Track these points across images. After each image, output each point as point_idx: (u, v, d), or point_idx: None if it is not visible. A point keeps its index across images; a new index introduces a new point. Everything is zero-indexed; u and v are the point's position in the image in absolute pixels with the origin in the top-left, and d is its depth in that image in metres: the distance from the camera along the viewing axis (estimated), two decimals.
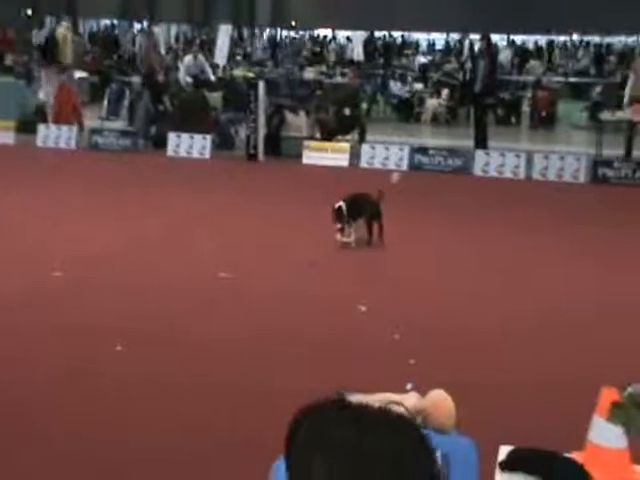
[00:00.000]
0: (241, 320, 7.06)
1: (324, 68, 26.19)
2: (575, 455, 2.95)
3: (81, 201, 11.56)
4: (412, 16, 39.84)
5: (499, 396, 5.66)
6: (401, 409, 1.41)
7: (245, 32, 41.08)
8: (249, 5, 44.15)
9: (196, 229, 10.26)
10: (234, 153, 16.07)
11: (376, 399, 2.52)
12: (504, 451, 3.01)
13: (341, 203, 9.42)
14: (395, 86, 22.71)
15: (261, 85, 15.88)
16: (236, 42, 32.98)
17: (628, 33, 34.61)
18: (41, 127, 16.91)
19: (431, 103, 21.29)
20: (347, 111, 16.40)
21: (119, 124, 17.86)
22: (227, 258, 8.88)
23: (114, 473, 4.57)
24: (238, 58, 27.87)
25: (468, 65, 20.21)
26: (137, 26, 36.92)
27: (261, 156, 15.51)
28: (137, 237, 9.72)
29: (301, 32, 41.68)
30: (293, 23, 42.41)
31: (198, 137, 15.93)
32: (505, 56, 26.90)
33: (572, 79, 25.29)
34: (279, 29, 43.75)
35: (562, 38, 37.29)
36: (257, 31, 29.96)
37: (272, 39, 40.49)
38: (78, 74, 20.83)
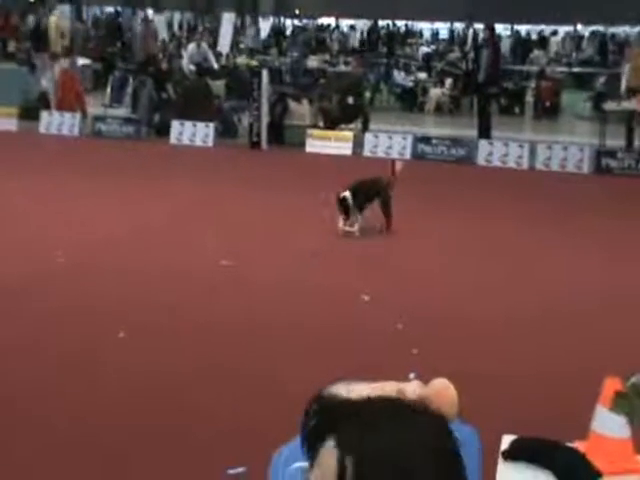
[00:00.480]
0: (243, 308, 7.06)
1: (327, 57, 26.12)
2: (578, 445, 2.94)
3: (84, 188, 11.55)
4: (416, 5, 39.67)
5: (502, 385, 5.66)
6: (404, 397, 1.40)
7: (248, 20, 40.93)
8: None
9: (199, 217, 10.26)
10: (237, 141, 16.05)
11: (379, 388, 2.52)
12: (507, 440, 3.01)
13: (346, 193, 9.37)
14: (399, 75, 22.66)
15: (264, 73, 15.85)
16: (239, 30, 32.85)
17: (632, 24, 34.49)
18: (44, 114, 16.89)
19: (434, 92, 21.23)
20: (350, 100, 16.37)
21: (122, 111, 17.84)
22: (229, 246, 8.88)
23: (117, 459, 4.58)
24: (241, 46, 27.76)
25: (471, 55, 20.15)
26: (141, 14, 36.79)
27: (264, 144, 15.49)
28: (140, 224, 9.72)
29: (305, 20, 41.52)
30: (297, 11, 42.25)
31: (201, 125, 15.91)
32: (504, 45, 26.79)
33: (576, 69, 25.21)
34: (282, 18, 43.59)
35: (566, 28, 37.12)
36: (248, 20, 29.79)
37: (276, 27, 40.36)
38: (81, 61, 20.80)
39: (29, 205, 10.50)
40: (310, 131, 15.57)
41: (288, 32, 37.87)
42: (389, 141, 15.10)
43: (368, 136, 15.41)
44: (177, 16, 37.69)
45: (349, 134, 15.60)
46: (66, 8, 36.83)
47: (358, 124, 16.41)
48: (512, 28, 35.87)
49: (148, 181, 12.17)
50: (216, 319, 6.80)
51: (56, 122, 16.78)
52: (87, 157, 14.36)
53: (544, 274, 8.33)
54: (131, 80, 18.18)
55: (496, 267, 8.52)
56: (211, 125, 15.91)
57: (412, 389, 2.65)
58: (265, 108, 15.54)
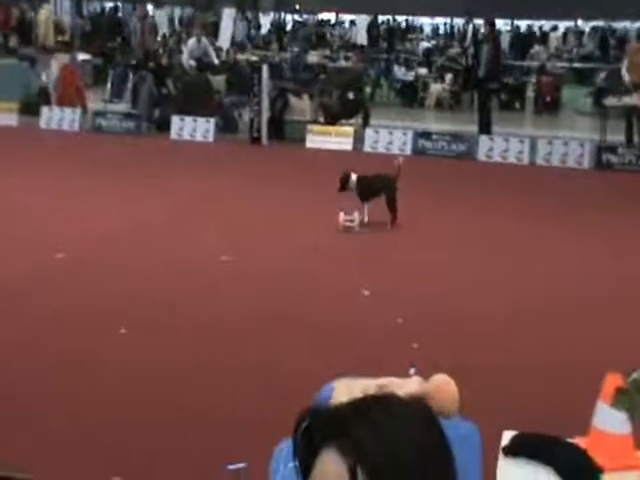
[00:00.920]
0: (243, 303, 7.06)
1: (328, 52, 26.08)
2: (578, 441, 2.94)
3: (84, 184, 11.54)
4: (416, 0, 39.61)
5: (503, 380, 5.66)
6: (403, 393, 1.40)
7: (249, 15, 40.89)
8: None
9: (199, 212, 10.25)
10: (237, 136, 16.04)
11: (379, 383, 2.52)
12: (507, 436, 3.01)
13: (353, 174, 9.46)
14: (399, 70, 22.63)
15: (265, 69, 15.84)
16: (248, 26, 32.79)
17: (633, 19, 34.44)
18: (44, 109, 16.88)
19: (435, 88, 21.21)
20: (351, 95, 16.35)
21: (122, 107, 17.82)
22: (230, 241, 8.88)
23: (116, 456, 4.58)
24: (243, 41, 27.72)
25: (471, 50, 20.13)
26: (139, 9, 36.72)
27: (264, 140, 15.48)
28: (140, 220, 9.71)
29: (305, 16, 41.47)
30: (297, 7, 42.20)
31: (201, 120, 15.89)
32: (504, 40, 26.74)
33: (576, 64, 25.17)
34: (283, 13, 43.53)
35: (567, 23, 37.06)
36: (240, 15, 29.61)
37: (276, 23, 40.32)
38: (81, 56, 20.77)
39: (29, 201, 10.49)
40: (310, 126, 15.56)
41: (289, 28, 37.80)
42: (390, 136, 15.08)
43: (369, 131, 15.39)
44: (177, 11, 37.62)
45: (349, 129, 15.58)
46: (66, 3, 36.79)
47: (358, 119, 16.39)
48: (512, 23, 35.82)
49: (148, 177, 12.16)
50: (216, 315, 6.80)
51: (56, 117, 16.76)
52: (87, 152, 14.35)
53: (545, 269, 8.32)
54: (131, 75, 18.15)
55: (497, 262, 8.52)
56: (211, 120, 15.90)
57: (414, 388, 2.65)
58: (265, 103, 15.53)
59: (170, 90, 17.64)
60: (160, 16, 28.60)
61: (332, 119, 15.98)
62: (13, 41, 26.21)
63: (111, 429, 4.85)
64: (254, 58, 21.35)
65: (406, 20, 40.62)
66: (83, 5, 36.83)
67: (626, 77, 15.93)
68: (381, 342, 6.29)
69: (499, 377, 5.73)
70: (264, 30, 33.67)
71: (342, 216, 9.43)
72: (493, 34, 16.72)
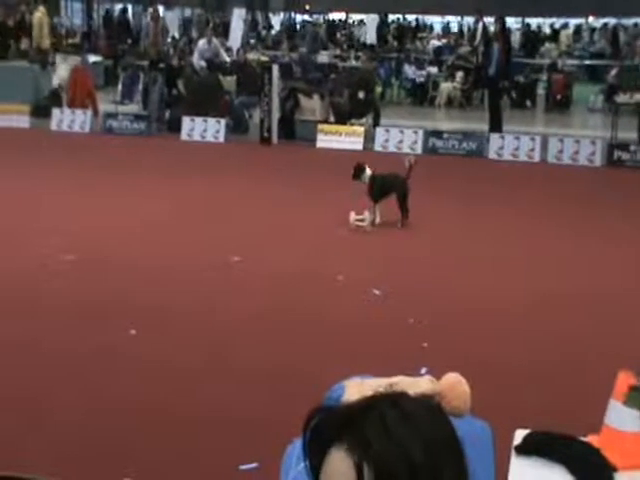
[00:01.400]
0: (253, 303, 7.06)
1: (338, 51, 26.07)
2: (591, 439, 2.92)
3: (94, 184, 11.57)
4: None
5: (515, 379, 5.64)
6: (414, 392, 1.39)
7: (259, 16, 40.96)
8: None
9: (209, 212, 10.26)
10: (248, 137, 16.06)
11: (390, 382, 2.51)
12: (519, 435, 2.99)
13: (368, 169, 9.44)
14: (409, 70, 22.61)
15: (275, 68, 15.85)
16: (250, 26, 32.84)
17: None
18: (55, 111, 16.94)
19: (445, 86, 21.18)
20: (361, 94, 16.34)
21: (133, 108, 17.87)
22: (240, 241, 8.88)
23: (126, 457, 4.59)
24: (252, 42, 27.77)
25: (481, 48, 20.08)
26: (149, 10, 36.84)
27: (275, 140, 15.49)
28: (150, 220, 9.73)
29: (315, 16, 41.48)
30: (307, 7, 42.22)
31: (212, 121, 15.92)
32: (515, 38, 26.69)
33: (588, 62, 25.09)
34: (293, 13, 43.58)
35: (578, 20, 36.94)
36: (247, 16, 29.55)
37: (286, 23, 40.38)
38: (92, 58, 20.85)
39: (39, 201, 10.53)
40: (321, 126, 15.56)
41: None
42: (400, 135, 15.07)
43: (379, 131, 15.38)
44: (188, 12, 37.71)
45: (360, 129, 15.58)
46: (77, 5, 36.89)
47: (369, 119, 16.38)
48: (522, 21, 35.73)
49: (159, 177, 12.18)
50: (228, 315, 6.81)
51: (67, 119, 16.83)
52: (98, 154, 14.40)
53: (557, 266, 8.29)
54: (142, 76, 18.20)
55: (509, 261, 8.49)
56: (222, 121, 15.92)
57: (426, 387, 2.64)
58: (276, 103, 15.54)
59: (181, 91, 17.68)
60: (170, 17, 28.67)
61: (342, 119, 15.97)
62: (25, 44, 26.33)
63: (122, 429, 4.85)
64: (264, 58, 21.37)
65: (416, 19, 40.57)
66: (93, 7, 36.96)
67: None
68: (392, 341, 6.28)
69: (511, 375, 5.71)
70: (274, 30, 33.68)
71: (353, 215, 9.42)
72: (503, 32, 16.67)
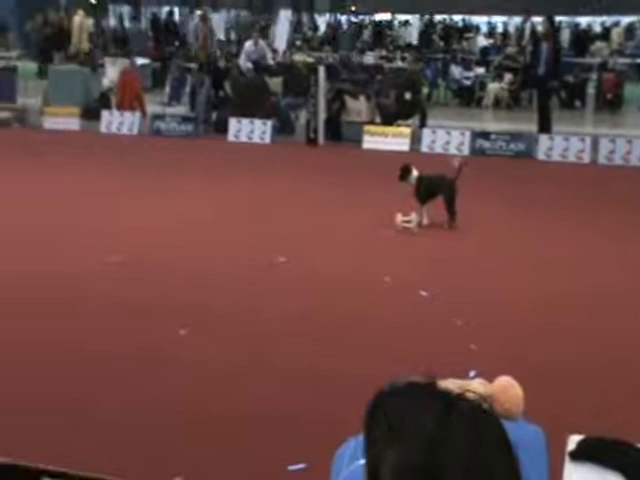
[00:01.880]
0: (299, 303, 7.05)
1: (384, 52, 26.01)
2: None
3: (141, 185, 11.68)
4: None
5: (566, 382, 5.55)
6: (474, 395, 1.36)
7: (305, 17, 41.08)
8: None
9: (256, 213, 10.29)
10: (294, 138, 16.09)
11: (443, 385, 2.48)
12: (573, 440, 2.93)
13: (414, 170, 9.40)
14: (456, 70, 22.46)
15: (321, 70, 15.86)
16: (296, 28, 32.94)
17: None
18: (105, 113, 17.15)
19: (493, 87, 20.99)
20: (408, 95, 16.27)
21: (181, 110, 18.03)
22: (286, 242, 8.88)
23: (176, 457, 4.60)
24: (298, 43, 27.83)
25: (529, 48, 19.87)
26: (198, 13, 37.14)
27: (321, 141, 15.49)
28: (196, 220, 9.79)
29: (361, 17, 41.46)
30: (353, 8, 42.21)
31: (259, 122, 15.98)
32: (564, 37, 26.35)
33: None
34: (338, 14, 43.61)
35: (629, 18, 36.38)
36: (293, 17, 29.49)
37: (332, 24, 40.41)
38: (140, 61, 21.08)
39: (87, 203, 10.65)
40: (367, 127, 15.53)
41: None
42: (447, 137, 14.97)
43: (426, 132, 15.30)
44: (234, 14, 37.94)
45: (406, 130, 15.50)
46: (126, 9, 37.34)
47: (415, 120, 16.30)
48: (572, 20, 35.29)
49: (206, 178, 12.25)
50: (274, 315, 6.80)
51: (116, 121, 17.03)
52: (146, 155, 14.54)
53: (606, 267, 8.15)
54: (189, 79, 18.35)
55: (557, 263, 8.37)
56: (268, 122, 15.97)
57: (478, 390, 2.60)
58: (322, 105, 15.55)
59: (227, 93, 17.77)
60: (217, 20, 28.84)
61: (389, 120, 15.92)
62: (85, 48, 26.75)
63: (169, 430, 4.87)
64: (310, 60, 21.40)
65: (463, 19, 40.32)
66: (142, 11, 37.38)
67: None
68: (439, 343, 6.22)
69: (562, 379, 5.61)
70: (319, 31, 33.72)
71: (399, 217, 9.37)
72: (552, 31, 16.45)
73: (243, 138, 15.95)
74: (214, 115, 17.21)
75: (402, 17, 38.82)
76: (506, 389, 2.79)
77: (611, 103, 20.33)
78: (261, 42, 19.77)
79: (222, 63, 18.89)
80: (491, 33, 36.84)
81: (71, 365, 5.77)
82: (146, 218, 9.90)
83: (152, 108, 18.05)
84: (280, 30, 24.26)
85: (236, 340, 6.27)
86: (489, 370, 3.29)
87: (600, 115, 19.99)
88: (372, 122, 15.96)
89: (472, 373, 5.03)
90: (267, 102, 16.79)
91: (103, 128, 16.90)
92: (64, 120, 17.02)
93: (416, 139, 15.16)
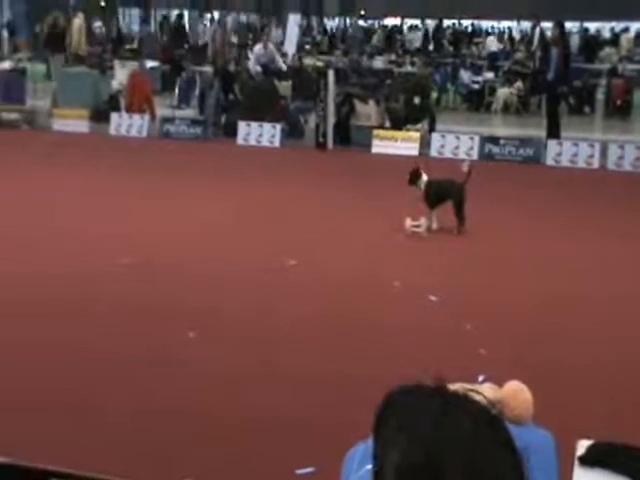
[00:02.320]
0: (309, 307, 7.06)
1: (393, 57, 26.03)
2: None
3: (150, 188, 11.70)
4: (482, 4, 39.32)
5: (575, 388, 5.55)
6: (480, 398, 1.37)
7: (314, 21, 41.17)
8: None
9: (265, 217, 10.30)
10: (303, 142, 16.10)
11: (452, 389, 2.48)
12: (582, 445, 2.93)
13: (424, 174, 9.40)
14: (465, 75, 22.46)
15: (330, 74, 15.88)
16: (305, 31, 32.99)
17: None
18: (114, 116, 17.20)
19: (502, 92, 20.98)
20: (417, 100, 16.27)
21: (190, 113, 18.06)
22: (296, 245, 8.89)
23: (186, 459, 4.61)
24: (307, 47, 27.88)
25: (538, 53, 19.86)
26: (207, 16, 37.25)
27: (330, 145, 15.50)
28: (206, 224, 9.81)
29: (370, 21, 41.51)
30: (362, 12, 42.25)
31: (268, 126, 16.00)
32: (573, 43, 26.31)
33: None
34: (348, 19, 43.68)
35: (638, 25, 36.30)
36: (302, 21, 29.31)
37: (340, 28, 40.50)
38: (149, 63, 21.14)
39: (97, 204, 10.68)
40: (376, 131, 15.53)
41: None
42: (456, 141, 14.97)
43: (435, 136, 15.30)
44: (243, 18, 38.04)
45: (416, 134, 15.50)
46: (135, 12, 37.46)
47: (425, 124, 16.30)
48: (581, 25, 35.25)
49: (215, 181, 12.28)
50: (284, 318, 6.81)
51: (125, 124, 17.07)
52: (155, 158, 14.57)
53: (618, 271, 8.14)
54: (198, 82, 18.38)
55: (568, 268, 8.36)
56: (278, 126, 15.99)
57: (487, 394, 2.60)
58: (331, 109, 15.56)
59: (237, 96, 17.81)
60: (227, 23, 28.91)
61: (398, 124, 15.92)
62: (83, 50, 26.81)
63: (177, 432, 4.88)
64: (319, 63, 21.43)
65: (472, 24, 40.33)
66: (150, 13, 37.49)
67: None
68: (448, 347, 6.22)
69: (572, 384, 5.61)
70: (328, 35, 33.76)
71: (409, 221, 9.37)
72: (562, 37, 16.44)
73: (252, 141, 15.97)
74: (223, 118, 17.24)
75: (411, 22, 38.84)
76: (516, 394, 2.79)
77: (620, 109, 20.29)
78: (270, 45, 19.80)
79: (232, 66, 18.92)
80: (500, 38, 36.87)
81: (80, 367, 5.79)
82: (156, 220, 9.92)
83: (161, 111, 18.10)
84: (289, 33, 24.31)
85: (245, 343, 6.28)
86: (498, 375, 3.29)
87: (609, 121, 19.96)
88: (381, 126, 15.97)
89: (481, 377, 5.04)
90: (276, 106, 16.81)
91: (112, 130, 16.94)
92: (73, 122, 17.08)
93: (425, 143, 15.16)
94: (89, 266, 8.03)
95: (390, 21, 42.51)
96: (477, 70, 22.98)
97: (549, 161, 14.37)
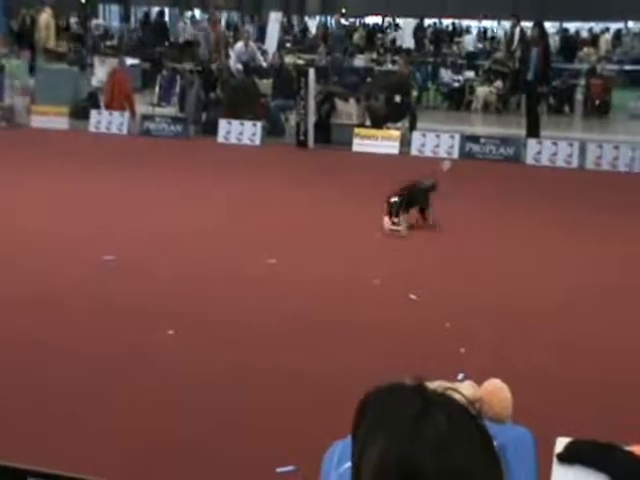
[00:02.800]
0: (288, 306, 7.06)
1: (374, 55, 26.05)
2: (636, 449, 2.88)
3: (131, 186, 11.65)
4: (463, 3, 39.45)
5: (555, 386, 5.58)
6: (459, 396, 1.37)
7: (295, 20, 41.12)
8: None
9: (245, 215, 10.29)
10: (284, 140, 16.08)
11: (431, 387, 2.49)
12: (561, 443, 2.95)
13: (396, 199, 9.39)
14: (446, 74, 22.53)
15: (311, 72, 15.86)
16: (286, 29, 32.95)
17: None
18: (93, 113, 17.11)
19: (482, 91, 21.06)
20: (398, 98, 16.28)
21: (170, 110, 17.99)
22: (276, 244, 8.89)
23: (161, 459, 4.60)
24: (288, 45, 27.84)
25: (518, 53, 19.94)
26: (188, 14, 37.14)
27: (311, 143, 15.49)
28: (186, 222, 9.77)
29: (351, 20, 41.51)
30: (343, 11, 42.24)
31: (248, 124, 15.97)
32: (552, 43, 26.45)
33: (628, 67, 24.80)
34: (329, 17, 43.66)
35: (617, 25, 36.56)
36: (283, 19, 29.14)
37: (322, 26, 40.46)
38: (129, 61, 21.02)
39: (78, 204, 10.62)
40: (357, 130, 15.54)
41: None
42: (437, 140, 15.00)
43: (416, 135, 15.32)
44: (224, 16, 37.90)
45: (396, 133, 15.52)
46: (115, 9, 37.25)
47: (405, 123, 16.32)
48: (560, 25, 35.45)
49: (195, 179, 12.23)
50: (263, 317, 6.81)
51: (105, 121, 16.97)
52: (135, 156, 14.49)
53: (588, 269, 8.19)
54: (179, 79, 18.31)
55: (545, 265, 8.41)
56: (258, 124, 15.96)
57: (467, 392, 2.61)
58: (312, 107, 15.55)
59: (217, 94, 17.75)
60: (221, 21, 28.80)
61: (379, 122, 15.93)
62: (63, 46, 26.63)
63: (157, 431, 4.87)
64: (300, 62, 21.40)
65: (453, 23, 40.43)
66: (131, 11, 37.31)
67: None
68: (428, 346, 6.24)
69: (550, 382, 5.64)
70: (310, 34, 33.72)
71: (387, 220, 9.39)
72: (542, 37, 16.51)
73: (233, 140, 15.93)
74: (204, 116, 17.18)
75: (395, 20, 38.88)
76: (495, 392, 2.81)
77: (599, 109, 20.41)
78: (251, 44, 19.76)
79: (213, 65, 18.86)
80: (480, 37, 36.99)
81: (56, 365, 5.76)
82: (134, 218, 9.87)
83: (142, 108, 18.01)
84: (270, 32, 24.27)
85: (224, 342, 6.27)
86: (478, 373, 3.31)
87: (588, 121, 20.08)
88: (362, 125, 15.97)
89: (461, 376, 5.05)
90: (257, 104, 16.78)
91: (92, 128, 16.84)
92: (52, 119, 16.97)
93: (406, 142, 15.18)
94: (71, 266, 7.99)
95: (371, 19, 42.54)
96: (458, 69, 23.05)
97: (529, 160, 14.44)
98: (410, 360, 5.73)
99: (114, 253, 8.28)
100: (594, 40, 31.61)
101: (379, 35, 34.68)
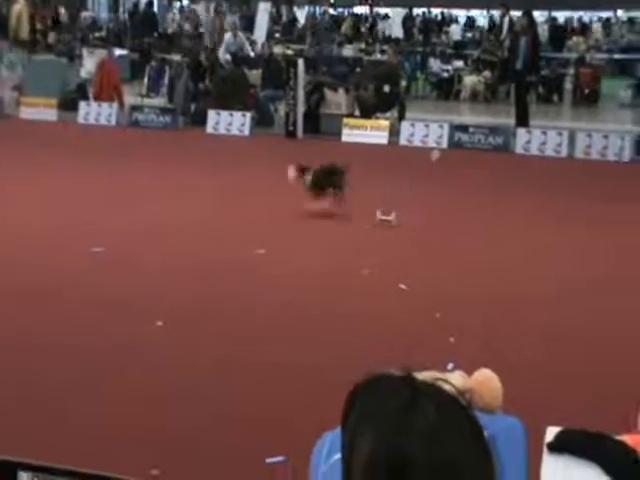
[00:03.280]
0: (277, 297, 7.04)
1: (363, 45, 26.01)
2: (626, 438, 2.88)
3: (121, 177, 11.61)
4: None
5: (545, 376, 5.59)
6: (449, 387, 1.36)
7: (284, 10, 40.92)
8: None
9: (235, 205, 10.26)
10: (273, 130, 16.05)
11: (421, 377, 2.48)
12: (551, 432, 2.95)
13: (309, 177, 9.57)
14: (435, 64, 22.51)
15: (300, 62, 15.82)
16: (275, 19, 32.82)
17: None
18: (82, 104, 17.03)
19: (469, 79, 21.06)
20: (387, 88, 16.27)
21: (159, 101, 17.93)
22: (265, 235, 8.87)
23: (153, 451, 4.59)
24: (277, 35, 27.76)
25: (507, 42, 19.95)
26: (177, 4, 36.94)
27: (300, 133, 15.46)
28: (175, 214, 9.74)
29: (340, 9, 41.37)
30: (332, 1, 42.10)
31: (237, 114, 15.93)
32: (541, 32, 26.44)
33: (617, 56, 24.83)
34: (318, 7, 43.51)
35: (606, 14, 36.56)
36: (272, 9, 29.02)
37: (310, 17, 40.32)
38: (118, 51, 20.93)
39: (67, 195, 10.57)
40: (346, 120, 15.52)
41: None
42: (426, 130, 15.00)
43: (405, 125, 15.31)
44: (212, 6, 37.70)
45: (385, 123, 15.51)
46: (103, 0, 37.01)
47: (394, 113, 16.31)
48: (549, 15, 35.42)
49: (184, 170, 12.20)
50: (253, 308, 6.79)
51: (94, 112, 16.91)
52: (124, 147, 14.43)
53: (578, 259, 8.21)
54: (168, 70, 18.24)
55: (535, 255, 8.42)
56: (247, 114, 15.92)
57: (457, 382, 2.60)
58: (301, 97, 15.51)
59: (206, 84, 17.70)
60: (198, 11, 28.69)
61: (368, 112, 15.91)
62: (51, 37, 26.50)
63: (147, 423, 4.85)
64: (290, 52, 21.34)
65: (442, 12, 40.34)
66: (120, 1, 37.09)
67: None
68: (418, 336, 6.24)
69: (541, 371, 5.65)
70: (299, 24, 33.62)
71: (379, 212, 9.38)
72: (531, 26, 16.51)
73: (222, 130, 15.89)
74: (193, 107, 17.12)
75: (382, 10, 38.76)
76: (485, 382, 2.80)
77: (588, 98, 20.44)
78: (240, 34, 19.69)
79: (202, 55, 18.78)
80: (469, 26, 36.93)
81: (46, 357, 5.73)
82: (123, 210, 9.83)
83: (131, 99, 17.93)
84: (259, 22, 24.17)
85: (213, 334, 6.25)
86: (468, 363, 3.30)
87: (577, 110, 20.11)
88: (351, 115, 15.95)
89: (451, 366, 5.05)
90: (246, 94, 16.73)
91: (80, 119, 16.77)
92: (41, 111, 16.88)
93: (395, 132, 15.18)
94: (59, 257, 7.95)
95: (360, 9, 42.39)
96: (447, 59, 23.04)
97: (518, 149, 14.45)
98: (400, 350, 5.72)
99: (102, 245, 8.24)
100: (583, 29, 31.63)
101: (366, 25, 34.60)
